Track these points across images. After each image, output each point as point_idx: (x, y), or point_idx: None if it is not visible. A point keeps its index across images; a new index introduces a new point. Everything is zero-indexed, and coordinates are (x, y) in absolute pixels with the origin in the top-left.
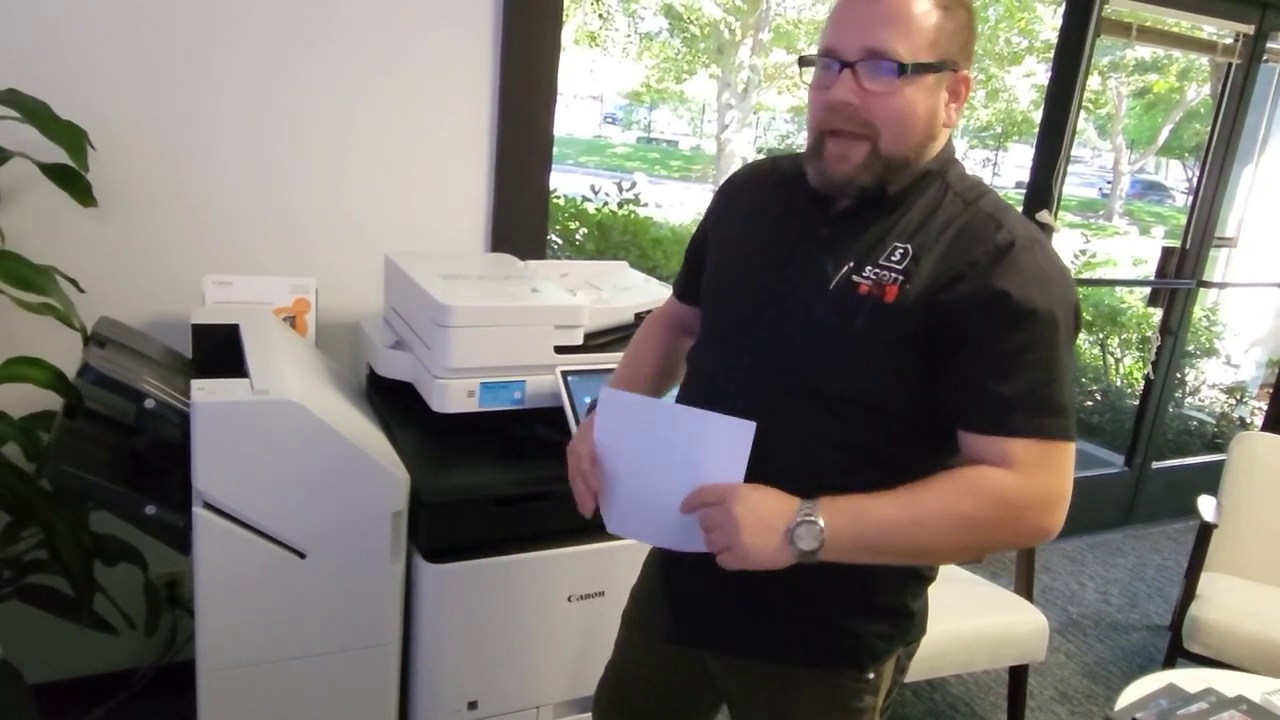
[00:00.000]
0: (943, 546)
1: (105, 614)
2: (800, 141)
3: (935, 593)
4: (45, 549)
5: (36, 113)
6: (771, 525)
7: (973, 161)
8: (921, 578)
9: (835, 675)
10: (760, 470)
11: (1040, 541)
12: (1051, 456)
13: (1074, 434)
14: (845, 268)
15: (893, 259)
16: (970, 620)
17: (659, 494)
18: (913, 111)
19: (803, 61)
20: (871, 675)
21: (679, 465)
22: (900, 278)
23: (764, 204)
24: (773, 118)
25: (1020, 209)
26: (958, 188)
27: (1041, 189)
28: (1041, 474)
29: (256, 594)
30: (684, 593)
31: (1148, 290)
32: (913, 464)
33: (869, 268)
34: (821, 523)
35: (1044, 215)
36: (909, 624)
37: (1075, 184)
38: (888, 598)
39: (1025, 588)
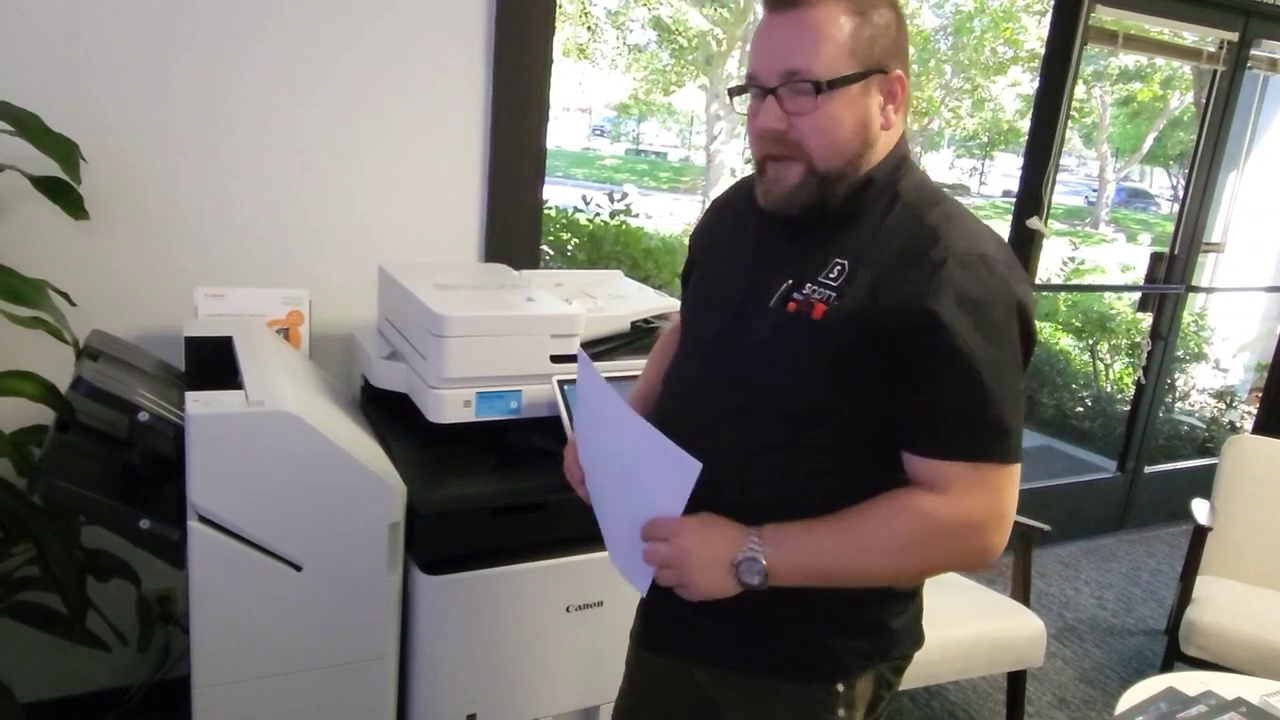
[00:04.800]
0: (884, 572)
1: (97, 631)
2: None
3: (931, 599)
4: (37, 565)
5: (29, 125)
6: (718, 562)
7: (959, 171)
8: (901, 595)
9: (805, 687)
10: (715, 482)
11: (980, 564)
12: (985, 478)
13: (1014, 455)
14: (784, 285)
15: (830, 276)
16: (967, 626)
17: (607, 501)
18: (839, 125)
19: (733, 92)
20: (841, 688)
21: (626, 476)
22: (832, 294)
23: (738, 223)
24: None
25: (1010, 217)
26: (908, 198)
27: (1031, 196)
28: (974, 496)
29: (252, 608)
30: (658, 599)
31: (1137, 296)
32: (866, 476)
33: (808, 285)
34: (764, 560)
35: (1034, 222)
36: (887, 640)
37: (1062, 192)
38: (860, 613)
39: (1022, 593)
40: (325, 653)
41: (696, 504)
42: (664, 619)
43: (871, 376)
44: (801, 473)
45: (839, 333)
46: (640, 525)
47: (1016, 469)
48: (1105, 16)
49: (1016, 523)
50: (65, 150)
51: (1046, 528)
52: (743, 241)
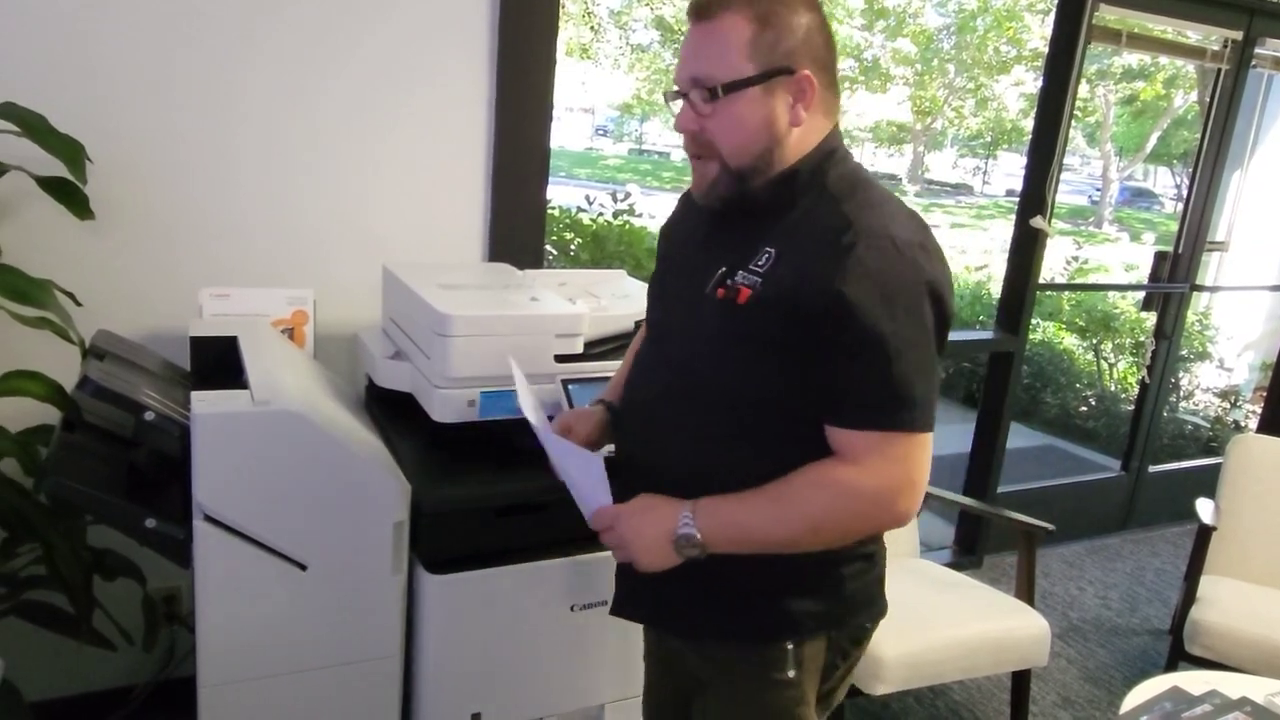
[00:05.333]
0: (806, 538)
1: (103, 630)
2: None
3: (934, 598)
4: (43, 564)
5: (35, 126)
6: (658, 538)
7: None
8: (852, 559)
9: (757, 647)
10: (662, 455)
11: (894, 526)
12: (894, 447)
13: (921, 424)
14: (719, 273)
15: (758, 263)
16: (971, 626)
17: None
18: (742, 125)
19: (668, 96)
20: (790, 646)
21: (566, 476)
22: (758, 280)
23: (698, 215)
24: None
25: (1013, 216)
26: (832, 188)
27: (1035, 195)
28: (884, 465)
29: (257, 607)
30: (624, 566)
31: (1141, 295)
32: (797, 452)
33: (739, 272)
34: (698, 534)
35: (1038, 221)
36: (838, 605)
37: (1065, 191)
38: (808, 576)
39: (1026, 592)
40: (330, 652)
41: (650, 474)
42: (625, 585)
43: (794, 358)
44: (738, 449)
45: (761, 317)
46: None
47: (926, 438)
48: (1109, 15)
49: (1020, 522)
50: (71, 151)
51: (1050, 527)
52: (699, 232)
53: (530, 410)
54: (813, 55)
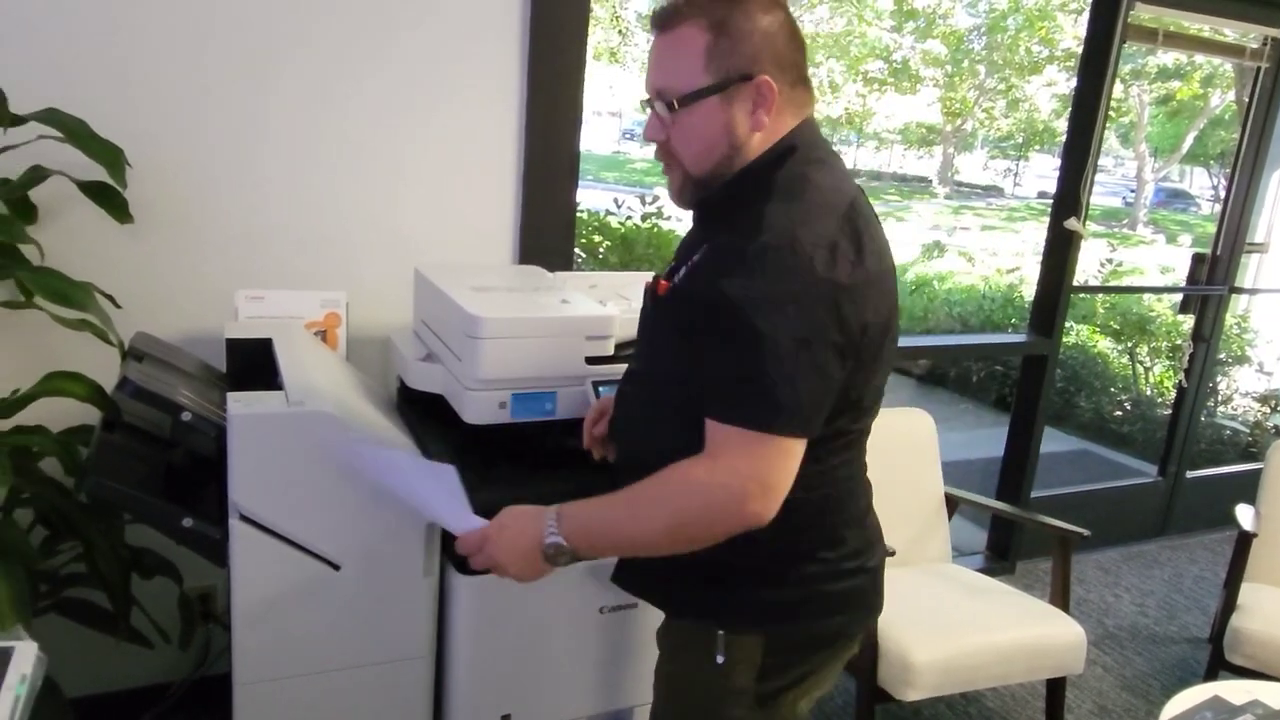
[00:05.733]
0: (665, 537)
1: (141, 628)
2: None
3: (969, 604)
4: (83, 562)
5: (76, 131)
6: (527, 553)
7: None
8: (811, 559)
9: (694, 624)
10: (625, 435)
11: (739, 527)
12: (751, 445)
13: (788, 428)
14: (670, 269)
15: (694, 259)
16: (1006, 632)
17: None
18: (700, 135)
19: (642, 106)
20: (721, 633)
21: (424, 502)
22: (680, 275)
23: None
24: None
25: (1046, 218)
26: (776, 187)
27: (1069, 196)
28: (737, 460)
29: (292, 606)
30: None
31: (1179, 298)
32: None
33: (683, 268)
34: (564, 541)
35: (1072, 223)
36: (775, 604)
37: (1098, 193)
38: (758, 568)
39: (1061, 599)
40: (363, 651)
41: (618, 458)
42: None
43: (690, 348)
44: (675, 431)
45: (673, 308)
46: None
47: (791, 444)
48: (1144, 14)
49: (1055, 527)
50: (111, 155)
51: (1085, 532)
52: (689, 232)
53: (363, 443)
54: (774, 57)
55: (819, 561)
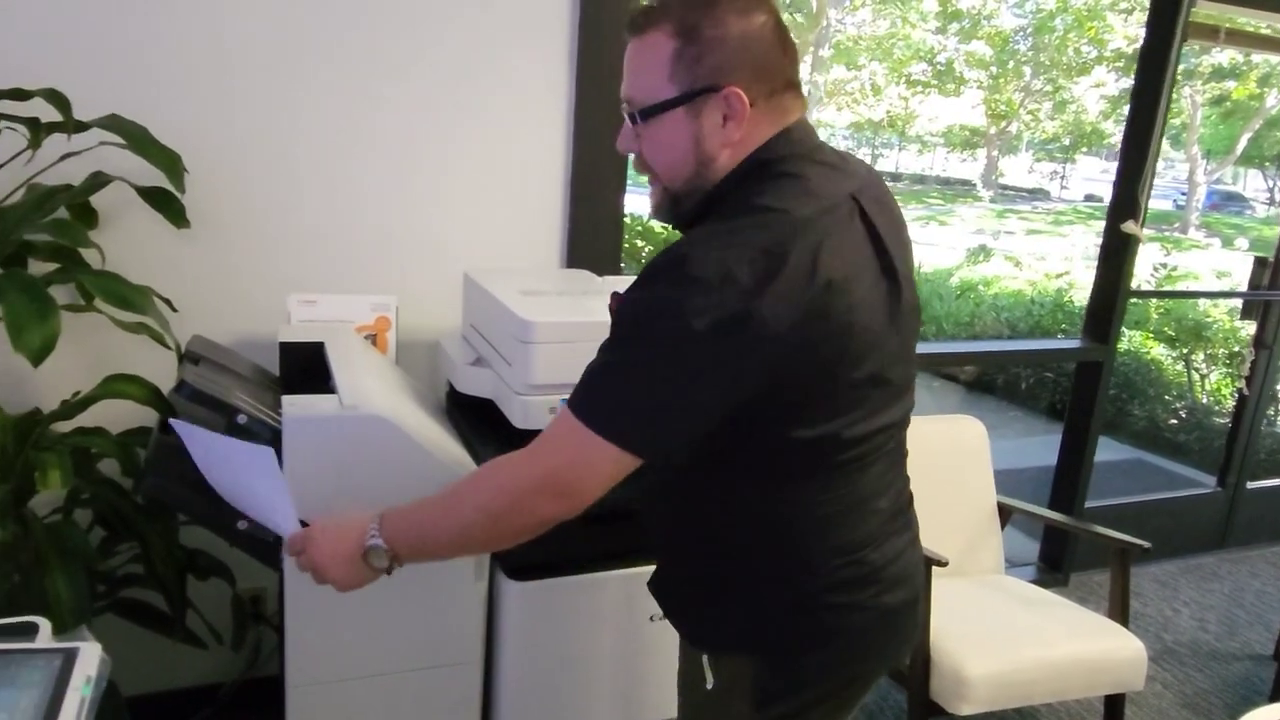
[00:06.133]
0: (470, 535)
1: (194, 628)
2: (859, 156)
3: (1023, 617)
4: (140, 563)
5: (137, 137)
6: (347, 557)
7: (1039, 175)
8: (775, 580)
9: (691, 650)
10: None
11: (533, 524)
12: (573, 436)
13: (617, 436)
14: None
15: None
16: (1062, 646)
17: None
18: (667, 149)
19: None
20: (706, 659)
21: (253, 494)
22: None
23: None
24: (832, 133)
25: (1093, 221)
26: (727, 208)
27: (1126, 199)
28: (549, 451)
29: (343, 610)
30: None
31: (1237, 303)
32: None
33: None
34: (383, 544)
35: (1129, 226)
36: (760, 627)
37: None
38: (727, 590)
39: (1120, 612)
40: (413, 656)
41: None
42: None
43: None
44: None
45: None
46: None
47: (613, 452)
48: (1206, 10)
49: (1114, 539)
50: (170, 161)
51: (1145, 544)
52: None
53: (184, 426)
54: (749, 65)
55: (793, 588)
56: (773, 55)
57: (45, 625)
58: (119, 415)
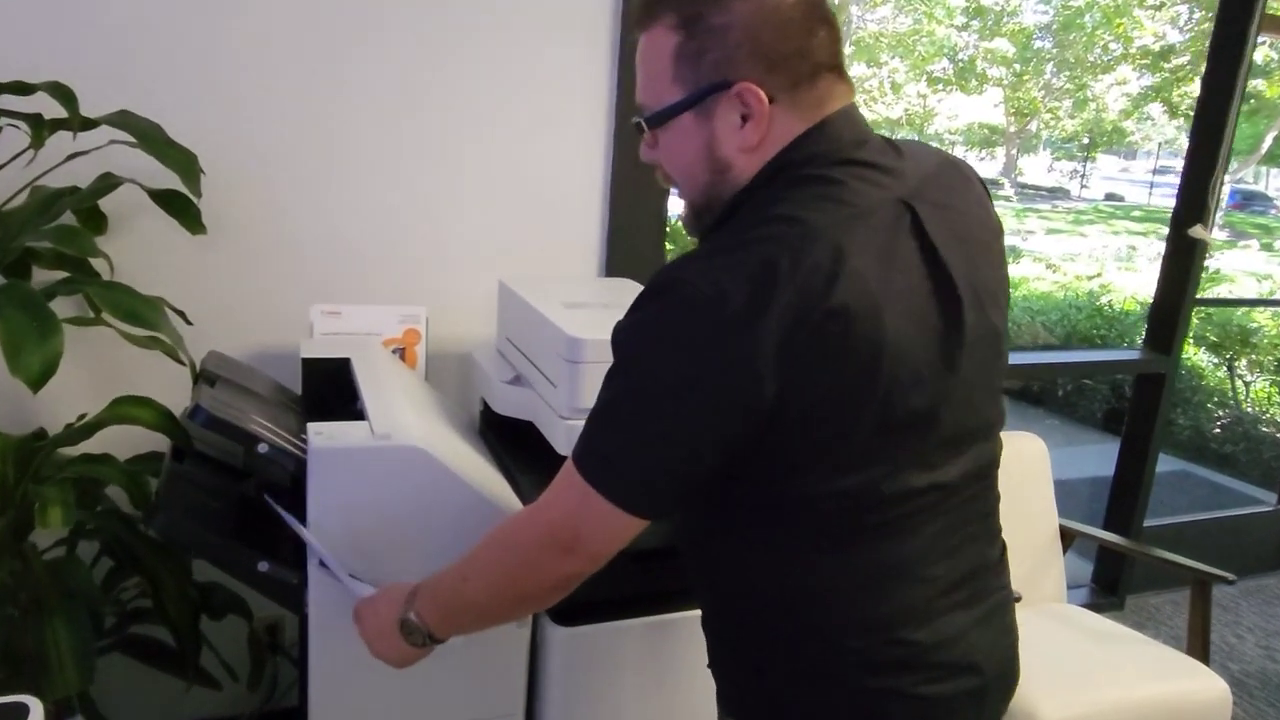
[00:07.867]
0: (486, 597)
1: (208, 666)
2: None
3: (1098, 654)
4: (149, 600)
5: (150, 136)
6: (386, 632)
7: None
8: (774, 647)
9: (722, 709)
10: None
11: (550, 584)
12: (574, 488)
13: (602, 482)
14: None
15: None
16: (1142, 687)
17: None
18: (680, 158)
19: None
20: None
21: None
22: None
23: None
24: None
25: (1169, 226)
26: (739, 222)
27: (1195, 202)
28: (556, 500)
29: (374, 659)
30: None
31: None
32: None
33: None
34: (414, 616)
35: (1197, 230)
36: (782, 711)
37: (1166, 194)
38: (751, 686)
39: (1201, 649)
40: (450, 708)
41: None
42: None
43: None
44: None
45: None
46: None
47: (604, 501)
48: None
49: (1191, 569)
50: (186, 162)
51: (1230, 577)
52: None
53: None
54: (762, 54)
55: (812, 665)
56: (793, 38)
57: (36, 706)
58: (128, 438)
